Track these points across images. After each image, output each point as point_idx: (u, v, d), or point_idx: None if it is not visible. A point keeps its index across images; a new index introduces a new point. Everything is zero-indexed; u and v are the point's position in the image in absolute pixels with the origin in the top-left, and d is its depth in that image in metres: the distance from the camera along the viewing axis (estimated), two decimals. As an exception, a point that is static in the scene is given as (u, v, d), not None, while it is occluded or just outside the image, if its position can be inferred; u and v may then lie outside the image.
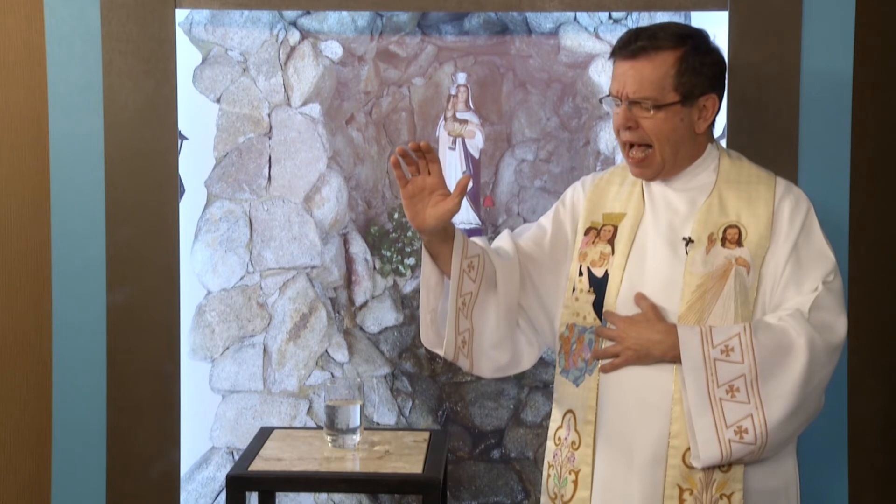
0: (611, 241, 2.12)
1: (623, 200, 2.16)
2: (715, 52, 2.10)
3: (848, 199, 2.68)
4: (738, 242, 2.07)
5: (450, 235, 2.06)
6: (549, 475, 2.17)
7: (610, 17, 2.74)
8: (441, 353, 2.12)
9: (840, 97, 2.67)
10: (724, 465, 2.01)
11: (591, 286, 2.12)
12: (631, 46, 2.04)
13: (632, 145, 2.08)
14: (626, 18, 2.74)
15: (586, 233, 2.18)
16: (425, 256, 2.09)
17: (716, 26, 2.71)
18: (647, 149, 2.06)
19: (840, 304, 2.07)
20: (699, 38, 2.08)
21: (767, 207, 2.08)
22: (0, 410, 2.78)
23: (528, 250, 2.21)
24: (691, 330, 2.01)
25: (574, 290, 2.16)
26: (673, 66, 2.03)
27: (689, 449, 2.01)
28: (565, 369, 2.15)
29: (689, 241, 2.07)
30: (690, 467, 2.01)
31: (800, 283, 2.05)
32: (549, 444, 2.19)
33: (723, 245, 2.06)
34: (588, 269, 2.13)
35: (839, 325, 2.05)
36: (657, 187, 2.14)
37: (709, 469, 2.00)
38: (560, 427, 2.15)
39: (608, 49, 2.38)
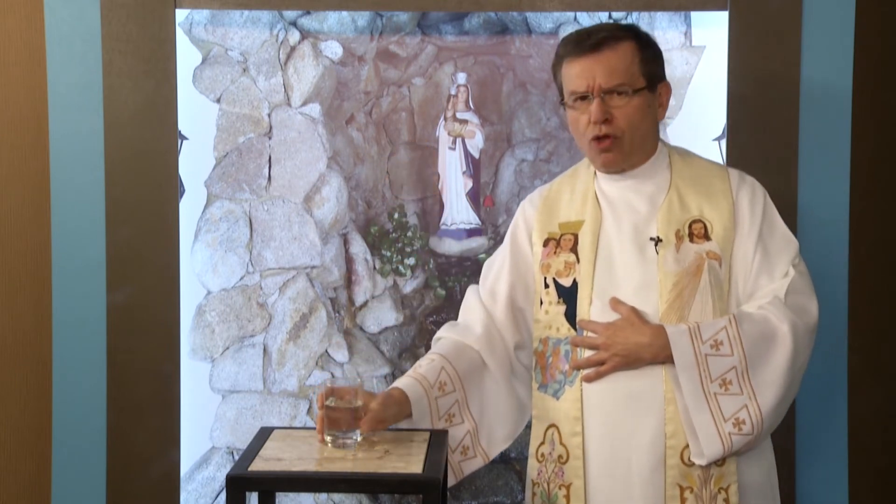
0: (573, 250, 2.12)
1: (577, 208, 2.16)
2: (656, 42, 2.16)
3: (848, 199, 2.68)
4: (706, 236, 2.08)
5: (405, 403, 2.13)
6: (534, 493, 2.14)
7: (610, 17, 2.73)
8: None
9: (840, 97, 2.67)
10: (720, 459, 2.02)
11: (559, 297, 2.11)
12: (590, 41, 2.06)
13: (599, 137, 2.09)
14: (625, 18, 2.73)
15: (545, 244, 2.17)
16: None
17: (716, 26, 2.71)
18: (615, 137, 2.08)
19: (811, 285, 2.11)
20: (641, 30, 2.15)
21: (727, 199, 2.11)
22: (0, 410, 2.78)
23: (503, 291, 2.23)
24: (679, 329, 2.01)
25: (542, 303, 2.15)
26: (636, 53, 2.08)
27: (686, 447, 2.01)
28: (543, 384, 2.14)
29: (658, 241, 2.07)
30: (689, 465, 2.01)
31: (771, 270, 2.08)
32: (532, 462, 2.16)
33: (691, 241, 2.07)
34: (554, 280, 2.12)
35: (813, 307, 2.08)
36: (612, 190, 2.14)
37: (706, 465, 2.01)
38: (542, 443, 2.13)
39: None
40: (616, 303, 2.05)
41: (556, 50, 2.14)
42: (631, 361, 2.03)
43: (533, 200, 2.26)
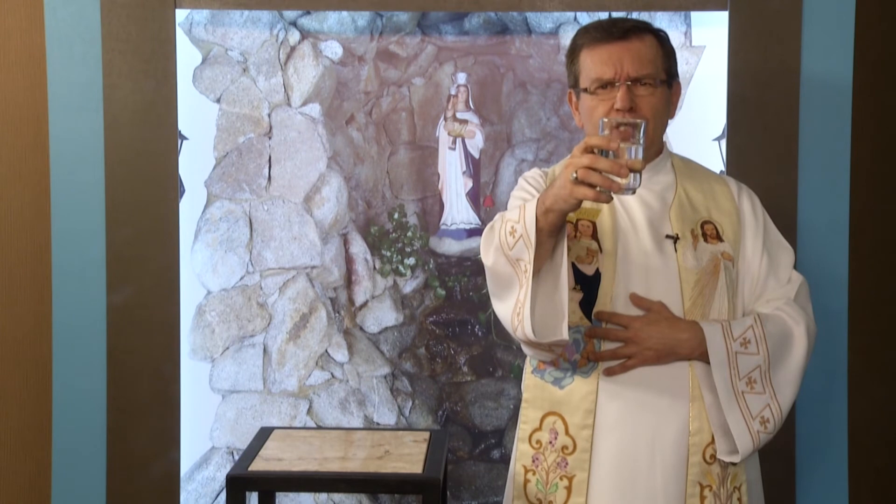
0: (594, 238, 2.07)
1: None
2: (670, 41, 2.15)
3: (848, 199, 2.68)
4: (718, 237, 2.09)
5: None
6: (527, 479, 2.09)
7: (610, 17, 2.73)
8: (562, 336, 1.90)
9: (840, 97, 2.67)
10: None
11: (577, 283, 2.04)
12: (617, 29, 2.05)
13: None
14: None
15: None
16: (532, 249, 1.87)
17: (716, 26, 2.71)
18: None
19: (809, 291, 2.15)
20: (659, 28, 2.13)
21: (731, 203, 2.14)
22: (0, 410, 2.78)
23: None
24: (713, 325, 2.01)
25: None
26: (659, 46, 2.08)
27: (709, 444, 2.01)
28: (539, 369, 2.08)
29: (676, 238, 2.07)
30: (709, 464, 2.01)
31: (776, 273, 2.11)
32: (524, 447, 2.10)
33: (705, 241, 2.08)
34: (573, 264, 2.04)
35: (811, 311, 2.12)
36: None
37: (724, 464, 2.01)
38: (538, 429, 2.09)
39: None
40: (638, 298, 2.03)
41: (574, 38, 2.11)
42: (663, 356, 2.00)
43: (537, 172, 2.20)
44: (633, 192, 1.82)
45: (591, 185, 1.77)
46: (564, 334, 1.90)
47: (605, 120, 1.85)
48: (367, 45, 2.78)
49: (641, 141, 1.81)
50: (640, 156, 1.80)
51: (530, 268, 1.88)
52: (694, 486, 2.01)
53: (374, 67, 2.78)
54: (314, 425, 2.82)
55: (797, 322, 2.05)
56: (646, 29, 2.08)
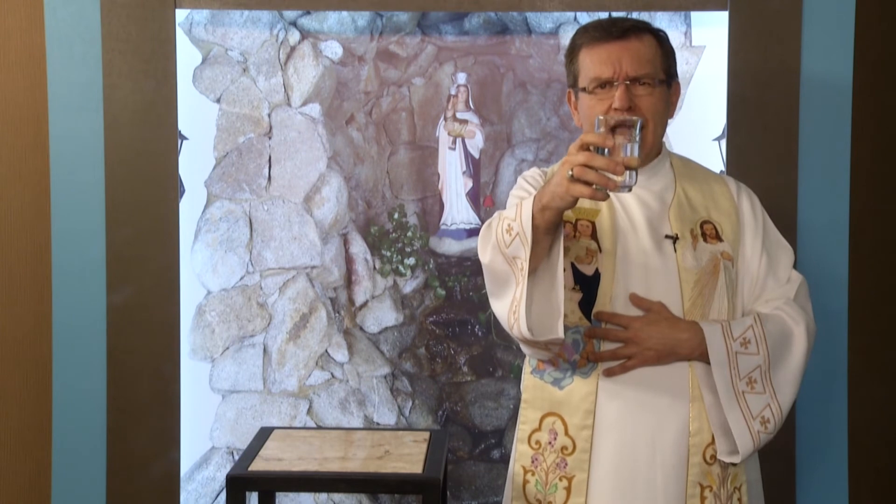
0: (593, 238, 2.06)
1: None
2: (669, 41, 2.15)
3: (848, 199, 2.68)
4: (718, 237, 2.09)
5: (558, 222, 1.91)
6: (526, 480, 2.09)
7: (610, 17, 2.73)
8: (558, 334, 1.90)
9: (840, 97, 2.67)
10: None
11: (576, 283, 2.04)
12: (617, 29, 2.05)
13: None
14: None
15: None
16: (528, 247, 1.86)
17: (716, 26, 2.71)
18: None
19: (808, 290, 2.15)
20: (658, 28, 2.13)
21: (730, 203, 2.13)
22: (0, 410, 2.78)
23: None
24: (713, 325, 2.01)
25: None
26: (658, 46, 2.08)
27: (709, 445, 2.01)
28: (538, 369, 2.08)
29: (675, 239, 2.07)
30: (709, 464, 2.01)
31: (776, 273, 2.11)
32: (523, 448, 2.10)
33: (704, 241, 2.08)
34: (573, 265, 2.04)
35: (811, 311, 2.12)
36: None
37: (724, 464, 2.01)
38: (537, 430, 2.08)
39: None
40: (638, 298, 2.03)
41: (573, 38, 2.11)
42: (664, 356, 2.00)
43: (536, 172, 2.20)
44: (630, 190, 1.82)
45: (588, 183, 1.77)
46: (560, 332, 1.90)
47: (601, 118, 1.85)
48: (367, 45, 2.78)
49: (637, 138, 1.81)
50: (637, 153, 1.80)
51: (526, 265, 1.88)
52: (694, 487, 2.01)
53: (374, 67, 2.78)
54: (314, 425, 2.82)
55: (797, 322, 2.05)
56: (645, 29, 2.08)
